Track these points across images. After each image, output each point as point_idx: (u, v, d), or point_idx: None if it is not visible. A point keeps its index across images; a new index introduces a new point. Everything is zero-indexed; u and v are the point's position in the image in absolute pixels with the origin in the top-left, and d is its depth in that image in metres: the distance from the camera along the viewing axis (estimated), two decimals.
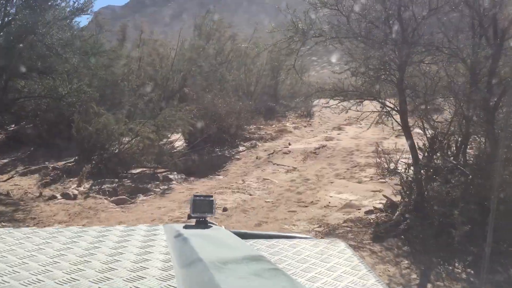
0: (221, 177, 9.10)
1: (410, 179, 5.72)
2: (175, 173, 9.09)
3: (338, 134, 12.17)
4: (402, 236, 5.18)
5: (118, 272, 1.14)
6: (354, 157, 9.45)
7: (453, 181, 5.29)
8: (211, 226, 1.59)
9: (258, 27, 20.75)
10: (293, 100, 18.84)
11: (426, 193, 5.32)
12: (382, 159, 8.45)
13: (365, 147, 10.30)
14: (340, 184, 7.74)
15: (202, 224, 1.59)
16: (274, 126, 13.94)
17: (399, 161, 8.44)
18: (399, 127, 6.57)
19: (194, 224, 1.60)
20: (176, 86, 13.41)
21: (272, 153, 10.02)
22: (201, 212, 1.59)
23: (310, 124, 14.51)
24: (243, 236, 1.57)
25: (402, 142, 10.94)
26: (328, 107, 6.46)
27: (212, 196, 1.63)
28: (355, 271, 1.32)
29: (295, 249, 1.50)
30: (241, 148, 10.93)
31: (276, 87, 17.53)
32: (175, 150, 10.15)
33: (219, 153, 10.60)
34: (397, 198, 6.37)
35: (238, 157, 10.35)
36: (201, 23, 18.03)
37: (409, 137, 5.54)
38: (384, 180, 7.65)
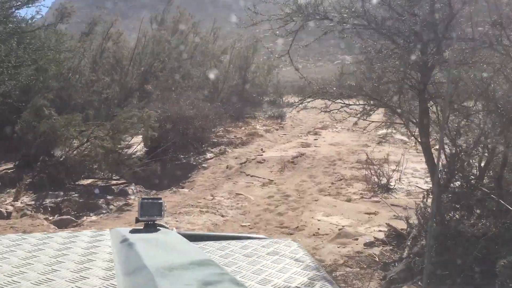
0: (186, 190, 7.88)
1: (422, 206, 4.67)
2: (133, 185, 7.81)
3: (315, 139, 11.13)
4: (420, 283, 4.15)
5: (55, 283, 1.09)
6: (338, 168, 8.40)
7: (478, 211, 4.30)
8: (160, 230, 1.53)
9: (218, 19, 19.63)
10: (263, 100, 17.80)
11: (447, 226, 4.28)
12: (371, 171, 7.45)
13: (347, 155, 9.29)
14: (326, 203, 6.65)
15: (151, 227, 1.52)
16: (243, 128, 12.78)
17: (391, 174, 7.48)
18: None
19: (142, 228, 1.52)
20: (136, 83, 12.02)
21: (244, 162, 8.85)
22: (150, 215, 1.52)
23: (282, 127, 13.43)
24: (195, 238, 1.56)
25: (387, 150, 10.04)
26: (327, 111, 5.27)
27: (161, 199, 1.55)
28: (306, 272, 1.32)
29: (247, 250, 1.49)
30: (208, 155, 9.72)
31: (244, 86, 16.35)
32: (134, 156, 8.84)
33: (184, 161, 9.37)
34: (400, 225, 5.34)
35: (206, 165, 9.14)
36: (162, 14, 16.76)
37: (429, 155, 4.47)
38: (377, 199, 6.62)
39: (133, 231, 1.47)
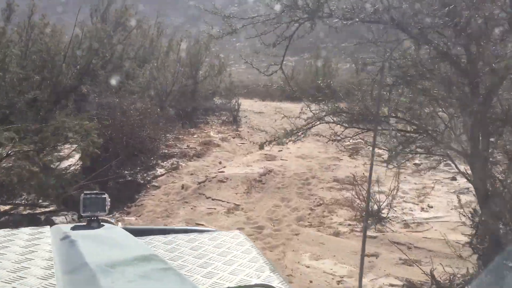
0: (132, 218, 6.37)
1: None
2: (66, 213, 6.23)
3: (279, 150, 9.85)
4: None
5: None
6: (313, 189, 7.18)
7: None
8: (104, 225, 1.47)
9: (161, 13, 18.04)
10: (215, 103, 16.39)
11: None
12: (356, 194, 6.27)
13: (321, 171, 8.10)
14: (310, 239, 5.39)
15: (94, 223, 1.47)
16: (196, 136, 11.32)
17: (378, 198, 6.34)
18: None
19: (85, 224, 1.46)
20: (71, 83, 10.24)
21: (203, 181, 7.43)
22: (93, 211, 1.47)
23: (239, 134, 12.08)
24: (141, 232, 1.52)
25: (359, 163, 8.95)
26: (337, 140, 4.06)
27: (104, 193, 1.51)
28: (252, 263, 1.32)
29: (193, 244, 1.47)
30: (159, 171, 8.21)
31: (195, 87, 14.84)
32: (68, 172, 7.23)
33: (130, 178, 7.82)
34: (413, 274, 4.18)
35: (156, 184, 7.64)
36: (105, 7, 14.92)
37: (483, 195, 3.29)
38: (371, 233, 5.43)
39: (75, 228, 1.42)
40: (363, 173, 7.72)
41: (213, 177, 7.55)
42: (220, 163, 8.95)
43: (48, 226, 1.52)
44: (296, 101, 24.23)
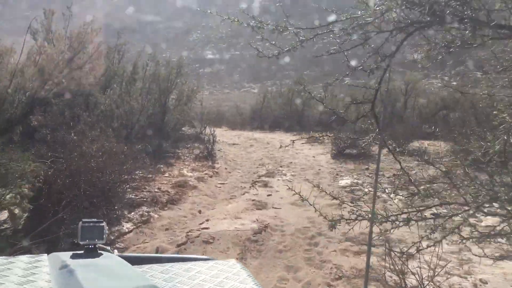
0: None
1: None
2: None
3: (269, 195, 8.36)
4: None
5: None
6: (324, 252, 5.69)
7: None
8: (102, 254, 1.46)
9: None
10: (185, 133, 14.80)
11: None
12: (389, 266, 4.85)
13: (326, 226, 6.63)
14: None
15: (92, 252, 1.46)
16: (168, 175, 9.69)
17: (413, 266, 4.93)
18: None
19: (83, 252, 1.45)
20: (18, 113, 8.49)
21: (184, 243, 5.79)
22: (91, 239, 1.46)
23: (217, 172, 10.52)
24: (138, 261, 1.51)
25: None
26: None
27: (103, 222, 1.50)
28: None
29: (190, 273, 1.48)
30: (125, 226, 6.53)
31: (164, 116, 13.23)
32: (5, 228, 5.56)
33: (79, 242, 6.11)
34: None
35: (122, 245, 5.97)
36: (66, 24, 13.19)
37: None
38: None
39: (74, 256, 1.40)
40: (380, 230, 6.29)
41: (195, 236, 5.95)
42: (200, 212, 7.37)
43: (46, 254, 1.46)
44: (266, 131, 22.86)
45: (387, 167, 11.14)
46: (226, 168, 11.10)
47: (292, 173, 10.53)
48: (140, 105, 12.02)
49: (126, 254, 1.63)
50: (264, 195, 8.29)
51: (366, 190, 8.85)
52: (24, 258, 1.47)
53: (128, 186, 7.91)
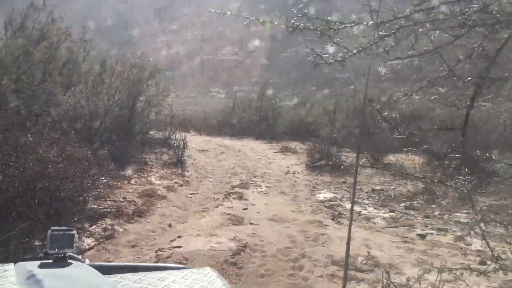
0: None
1: None
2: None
3: (244, 208, 7.73)
4: None
5: None
6: (310, 277, 5.08)
7: None
8: (71, 263, 1.40)
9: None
10: (152, 137, 14.01)
11: None
12: None
13: (309, 246, 6.05)
14: None
15: (61, 261, 1.40)
16: (134, 182, 8.94)
17: None
18: None
19: (51, 262, 1.39)
20: None
21: (154, 263, 5.12)
22: (60, 247, 1.39)
23: (187, 181, 9.81)
24: (110, 270, 1.48)
25: (357, 233, 6.99)
26: None
27: (73, 230, 1.44)
28: None
29: (165, 282, 1.44)
30: (86, 242, 5.76)
31: (131, 119, 12.41)
32: None
33: (41, 254, 5.33)
34: None
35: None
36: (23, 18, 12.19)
37: None
38: None
39: (42, 266, 1.34)
40: (368, 252, 5.79)
41: (166, 257, 5.25)
42: (170, 226, 6.67)
43: (12, 264, 1.38)
44: (235, 137, 22.23)
45: (364, 180, 10.71)
46: (197, 177, 10.40)
47: (267, 185, 9.93)
48: (106, 106, 11.19)
49: (97, 263, 1.54)
50: (239, 209, 7.65)
51: (347, 206, 8.36)
52: None
53: (90, 195, 7.13)
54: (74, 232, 1.45)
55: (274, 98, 24.40)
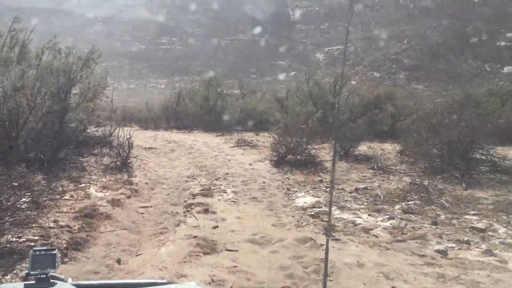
0: None
1: None
2: None
3: (215, 227, 6.01)
4: None
5: None
6: None
7: None
8: (55, 283, 1.42)
9: None
10: (90, 136, 11.93)
11: None
12: None
13: (311, 273, 4.48)
14: None
15: (44, 281, 1.41)
16: (69, 197, 7.00)
17: None
18: None
19: (34, 282, 1.40)
20: None
21: None
22: (42, 268, 1.41)
23: (136, 190, 7.93)
24: None
25: (358, 250, 5.38)
26: None
27: (55, 249, 1.46)
28: None
29: None
30: None
31: (63, 116, 10.28)
32: None
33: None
34: None
35: None
36: None
37: None
38: None
39: (26, 287, 1.36)
40: None
41: None
42: (119, 262, 4.84)
43: None
44: (183, 131, 20.30)
45: (342, 177, 9.29)
46: (147, 183, 8.55)
47: (234, 189, 8.25)
48: (31, 101, 9.05)
49: (81, 282, 1.50)
50: (208, 227, 5.94)
51: (336, 213, 6.86)
52: None
53: (7, 221, 5.19)
54: (56, 251, 1.43)
55: (221, 87, 22.62)
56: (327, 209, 7.09)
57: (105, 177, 8.54)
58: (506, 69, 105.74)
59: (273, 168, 10.36)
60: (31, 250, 1.43)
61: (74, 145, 10.48)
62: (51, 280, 1.41)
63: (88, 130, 12.34)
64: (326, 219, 6.53)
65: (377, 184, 8.61)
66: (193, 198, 7.49)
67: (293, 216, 6.71)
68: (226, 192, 7.99)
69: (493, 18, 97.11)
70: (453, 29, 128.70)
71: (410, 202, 7.36)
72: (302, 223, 6.37)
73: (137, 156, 10.97)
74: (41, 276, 1.40)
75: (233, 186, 8.54)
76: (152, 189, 8.31)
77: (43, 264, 1.40)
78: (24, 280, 1.51)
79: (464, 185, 8.44)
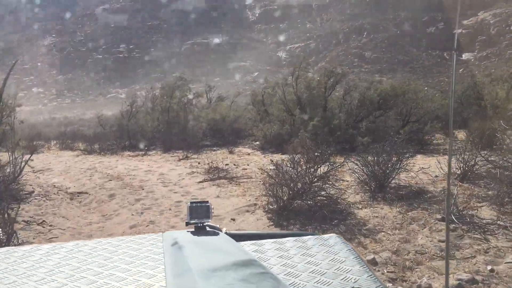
0: None
1: None
2: None
3: None
4: None
5: (110, 286, 1.08)
6: None
7: None
8: (209, 231, 1.48)
9: None
10: None
11: None
12: None
13: None
14: None
15: (201, 230, 1.49)
16: None
17: None
18: None
19: (193, 230, 1.49)
20: None
21: None
22: (199, 218, 1.49)
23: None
24: (246, 237, 1.50)
25: None
26: None
27: (208, 202, 1.51)
28: (349, 268, 1.25)
29: (301, 249, 1.39)
30: None
31: None
32: None
33: None
34: None
35: None
36: None
37: None
38: None
39: (185, 234, 1.44)
40: None
41: None
42: None
43: (161, 233, 1.51)
44: (137, 155, 15.44)
45: (402, 246, 4.99)
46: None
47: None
48: None
49: (234, 231, 1.54)
50: None
51: None
52: (144, 235, 1.50)
53: None
54: (209, 204, 1.47)
55: (184, 94, 17.96)
56: None
57: None
58: (465, 56, 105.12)
59: (272, 226, 5.95)
60: (189, 203, 1.47)
61: None
62: (208, 229, 1.47)
63: None
64: None
65: (489, 268, 4.31)
66: None
67: None
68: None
69: (449, 7, 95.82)
70: (410, 20, 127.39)
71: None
72: None
73: (43, 221, 6.33)
74: (199, 225, 1.46)
75: None
76: None
77: (199, 214, 1.45)
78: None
79: None
